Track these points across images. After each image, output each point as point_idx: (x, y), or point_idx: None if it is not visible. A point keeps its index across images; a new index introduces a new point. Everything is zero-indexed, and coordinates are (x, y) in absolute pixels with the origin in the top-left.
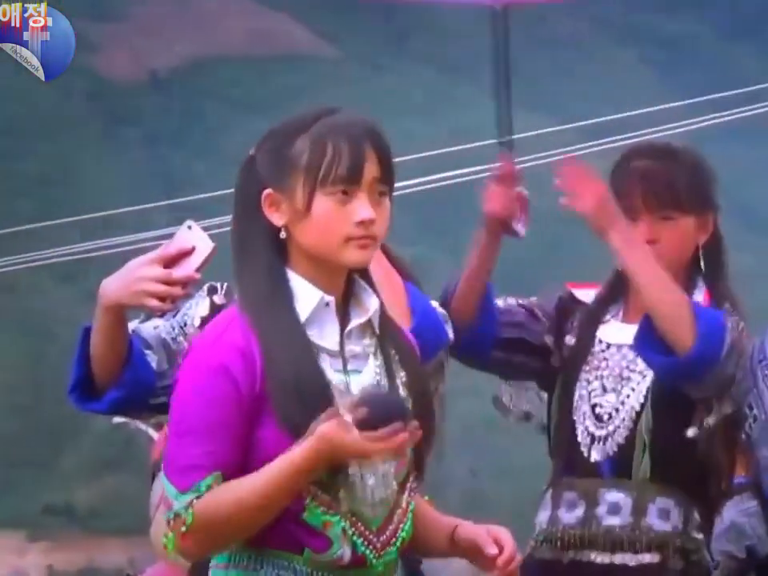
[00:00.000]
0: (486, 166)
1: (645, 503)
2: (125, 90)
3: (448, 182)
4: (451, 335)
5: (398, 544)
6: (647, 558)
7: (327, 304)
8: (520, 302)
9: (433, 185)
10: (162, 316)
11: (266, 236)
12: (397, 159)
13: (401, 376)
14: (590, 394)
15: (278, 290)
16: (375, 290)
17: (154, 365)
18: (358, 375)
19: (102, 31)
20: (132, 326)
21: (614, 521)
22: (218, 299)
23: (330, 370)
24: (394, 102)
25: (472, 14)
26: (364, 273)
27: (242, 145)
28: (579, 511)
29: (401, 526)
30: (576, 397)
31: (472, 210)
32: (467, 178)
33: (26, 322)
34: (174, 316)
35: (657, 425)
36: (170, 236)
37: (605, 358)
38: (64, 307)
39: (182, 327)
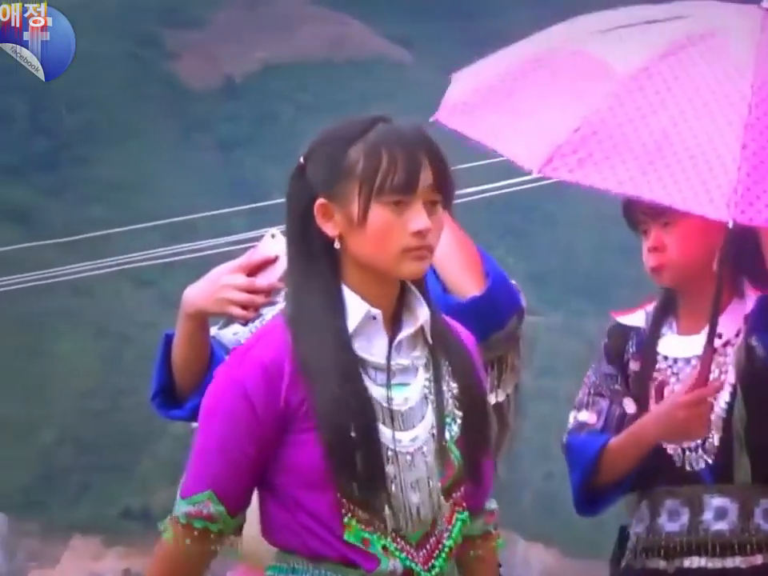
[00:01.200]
0: None
1: (751, 505)
2: (201, 96)
3: (516, 188)
4: (524, 303)
5: (446, 553)
6: (759, 559)
7: (374, 317)
8: (598, 401)
9: (501, 191)
10: (244, 324)
11: (320, 246)
12: (465, 165)
13: (452, 388)
14: None
15: (329, 303)
16: (428, 299)
17: None
18: (405, 389)
19: (179, 38)
20: (212, 332)
21: (721, 525)
22: None
23: (373, 384)
24: None
25: (545, 22)
26: (418, 282)
27: None
28: (683, 518)
29: (445, 535)
30: None
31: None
32: (535, 184)
33: (103, 327)
34: (254, 322)
35: (751, 423)
36: (246, 241)
37: (674, 373)
38: (141, 312)
39: None
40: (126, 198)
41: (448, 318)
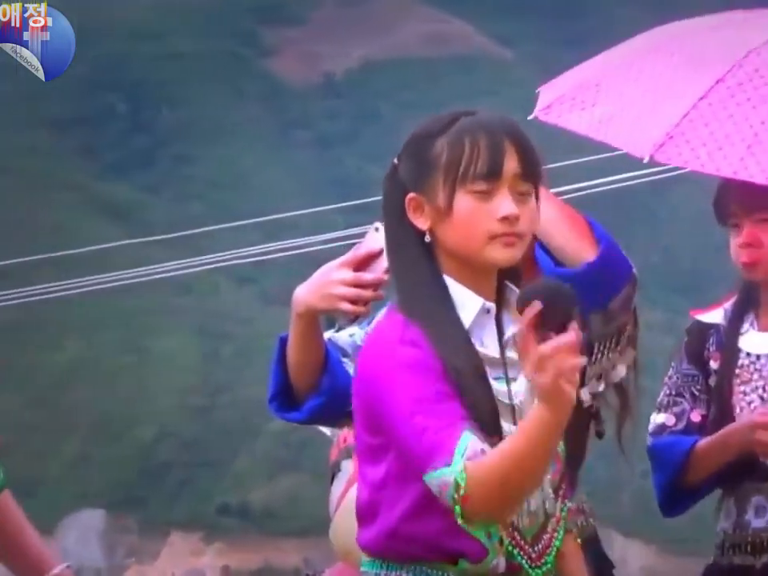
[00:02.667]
0: (655, 169)
1: None
2: (299, 93)
3: (618, 185)
4: (635, 270)
5: (554, 553)
6: None
7: (488, 310)
8: (680, 404)
9: (602, 188)
10: (354, 320)
11: (416, 242)
12: (572, 161)
13: None
14: (749, 405)
15: (441, 298)
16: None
17: (351, 372)
18: (513, 384)
19: (278, 35)
20: (328, 335)
21: None
22: None
23: (492, 379)
24: None
25: (648, 20)
26: (515, 277)
27: None
28: None
29: (555, 535)
30: (737, 411)
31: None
32: (636, 181)
33: (203, 324)
34: (369, 323)
35: None
36: (345, 238)
37: (756, 369)
38: (240, 309)
39: None
40: (225, 195)
41: None
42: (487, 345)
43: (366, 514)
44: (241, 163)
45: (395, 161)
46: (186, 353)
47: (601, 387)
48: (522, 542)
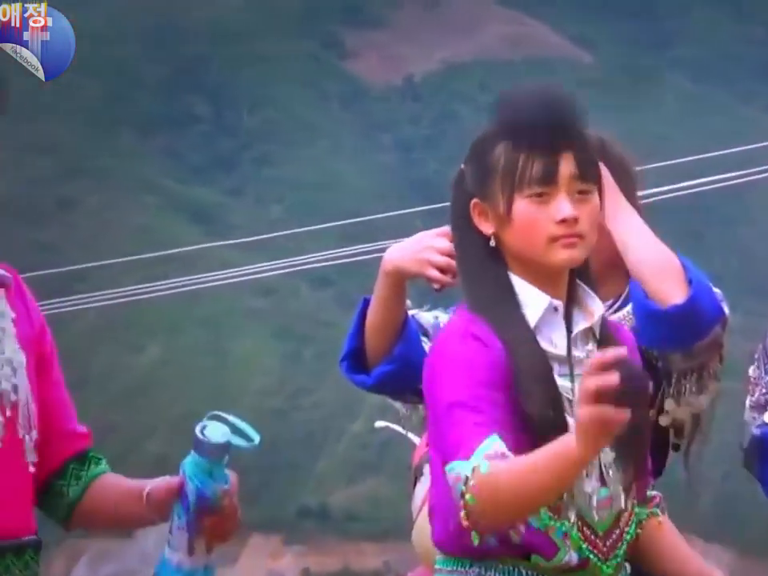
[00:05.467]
0: (739, 172)
1: None
2: (381, 96)
3: (702, 188)
4: (727, 311)
5: (624, 548)
6: None
7: (555, 309)
8: None
9: (687, 191)
10: (440, 290)
11: (482, 246)
12: (650, 165)
13: None
14: None
15: (506, 296)
16: (598, 294)
17: (427, 350)
18: (579, 380)
19: (359, 37)
20: (413, 312)
21: None
22: None
23: (558, 376)
24: (647, 107)
25: (727, 23)
26: (586, 276)
27: None
28: None
29: (626, 530)
30: None
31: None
32: (720, 185)
33: (283, 327)
34: (454, 311)
35: None
36: None
37: None
38: (320, 311)
39: None
40: (306, 197)
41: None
42: (555, 342)
43: (438, 510)
44: (322, 166)
45: (462, 166)
46: (266, 355)
47: (681, 414)
48: (593, 537)
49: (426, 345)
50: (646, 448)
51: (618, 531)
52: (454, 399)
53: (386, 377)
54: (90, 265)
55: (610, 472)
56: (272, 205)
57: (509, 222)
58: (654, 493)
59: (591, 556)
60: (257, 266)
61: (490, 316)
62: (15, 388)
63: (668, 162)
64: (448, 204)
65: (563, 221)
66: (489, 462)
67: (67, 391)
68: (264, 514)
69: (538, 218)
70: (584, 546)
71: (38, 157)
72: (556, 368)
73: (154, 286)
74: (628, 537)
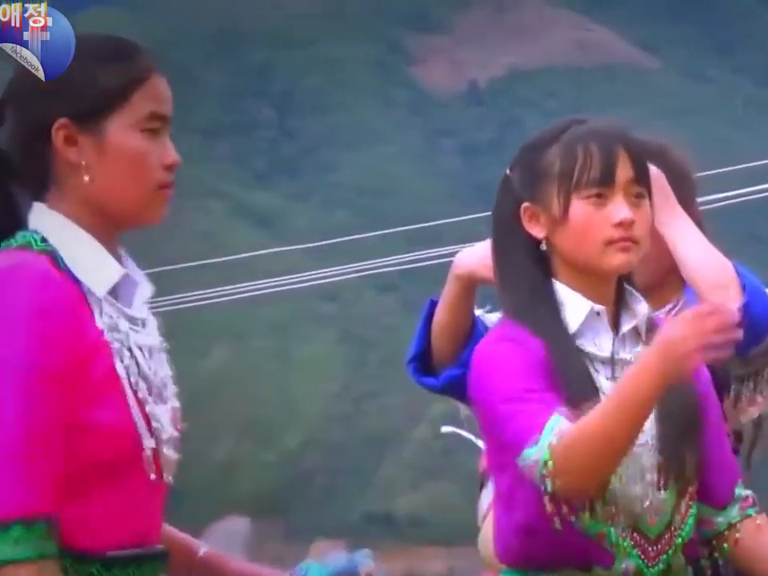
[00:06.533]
0: None
1: None
2: (444, 101)
3: (758, 195)
4: None
5: (676, 548)
6: None
7: (598, 313)
8: None
9: (752, 196)
10: None
11: (527, 250)
12: (715, 171)
13: None
14: None
15: (544, 302)
16: (643, 297)
17: None
18: None
19: (425, 43)
20: (478, 312)
21: None
22: None
23: (601, 377)
24: (712, 112)
25: None
26: (630, 279)
27: None
28: None
29: (677, 532)
30: None
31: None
32: (763, 195)
33: (347, 332)
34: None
35: None
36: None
37: None
38: (384, 316)
39: None
40: (369, 202)
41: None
42: (600, 345)
43: (498, 521)
44: (387, 171)
45: (507, 171)
46: (331, 360)
47: (740, 419)
48: (643, 541)
49: None
50: (700, 445)
51: (668, 535)
52: (506, 396)
53: (454, 381)
54: (155, 270)
55: (655, 475)
56: (336, 209)
57: (564, 225)
58: (746, 493)
59: (639, 561)
60: (322, 270)
61: (526, 319)
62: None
63: (733, 168)
64: None
65: (620, 223)
66: (558, 437)
67: None
68: (329, 519)
69: (595, 220)
70: (634, 551)
71: None
72: (600, 369)
73: (219, 291)
74: (679, 540)
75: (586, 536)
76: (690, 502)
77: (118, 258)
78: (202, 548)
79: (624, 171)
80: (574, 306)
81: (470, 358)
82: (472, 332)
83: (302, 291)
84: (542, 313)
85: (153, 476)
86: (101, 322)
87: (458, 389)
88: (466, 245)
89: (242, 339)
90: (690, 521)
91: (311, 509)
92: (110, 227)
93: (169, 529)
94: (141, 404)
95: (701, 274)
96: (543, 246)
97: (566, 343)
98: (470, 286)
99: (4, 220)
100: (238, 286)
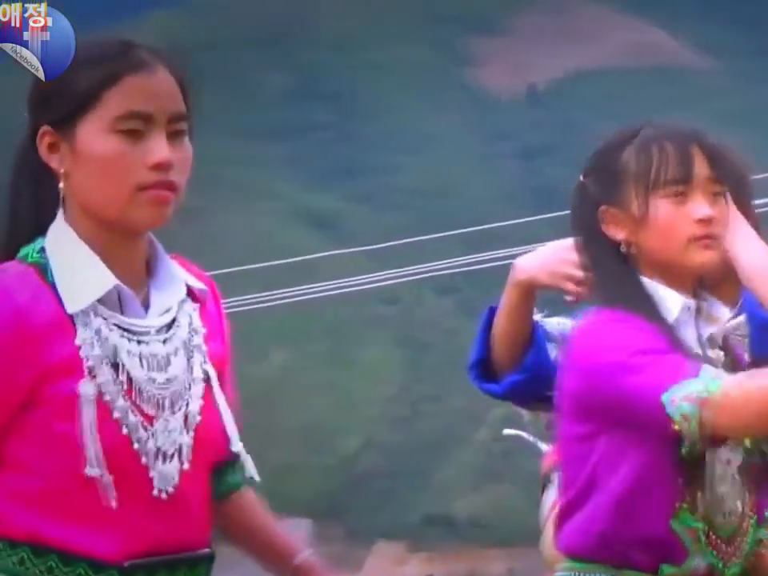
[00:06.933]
0: None
1: None
2: (504, 104)
3: None
4: None
5: (744, 555)
6: None
7: (689, 308)
8: None
9: None
10: (573, 302)
11: (612, 251)
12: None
13: None
14: None
15: (644, 298)
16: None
17: (553, 356)
18: None
19: (483, 45)
20: (537, 317)
21: None
22: None
23: None
24: None
25: None
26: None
27: None
28: None
29: (745, 538)
30: None
31: None
32: None
33: (406, 334)
34: (576, 317)
35: None
36: None
37: None
38: (442, 319)
39: None
40: (428, 205)
41: None
42: (687, 342)
43: (569, 514)
44: (445, 173)
45: (581, 177)
46: (390, 363)
47: None
48: (718, 541)
49: (552, 350)
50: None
51: (739, 538)
52: (636, 350)
53: (516, 386)
54: (214, 273)
55: (735, 475)
56: (395, 212)
57: (645, 225)
58: None
59: (715, 561)
60: (381, 273)
61: (636, 308)
62: (201, 409)
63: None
64: (569, 212)
65: (702, 220)
66: (728, 379)
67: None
68: (389, 521)
69: (677, 218)
70: (710, 551)
71: None
72: None
73: (277, 294)
74: (749, 541)
75: (672, 528)
76: (751, 513)
77: (133, 265)
78: (300, 555)
79: (701, 169)
80: (668, 301)
81: (531, 363)
82: (532, 338)
83: (360, 294)
84: (647, 305)
85: (113, 502)
86: (81, 338)
87: (519, 394)
88: (525, 247)
89: (301, 342)
90: (752, 530)
91: (371, 511)
92: (110, 234)
93: (272, 529)
94: (114, 424)
95: (757, 278)
96: (623, 248)
97: (675, 332)
98: (530, 292)
99: (31, 230)
100: (296, 288)
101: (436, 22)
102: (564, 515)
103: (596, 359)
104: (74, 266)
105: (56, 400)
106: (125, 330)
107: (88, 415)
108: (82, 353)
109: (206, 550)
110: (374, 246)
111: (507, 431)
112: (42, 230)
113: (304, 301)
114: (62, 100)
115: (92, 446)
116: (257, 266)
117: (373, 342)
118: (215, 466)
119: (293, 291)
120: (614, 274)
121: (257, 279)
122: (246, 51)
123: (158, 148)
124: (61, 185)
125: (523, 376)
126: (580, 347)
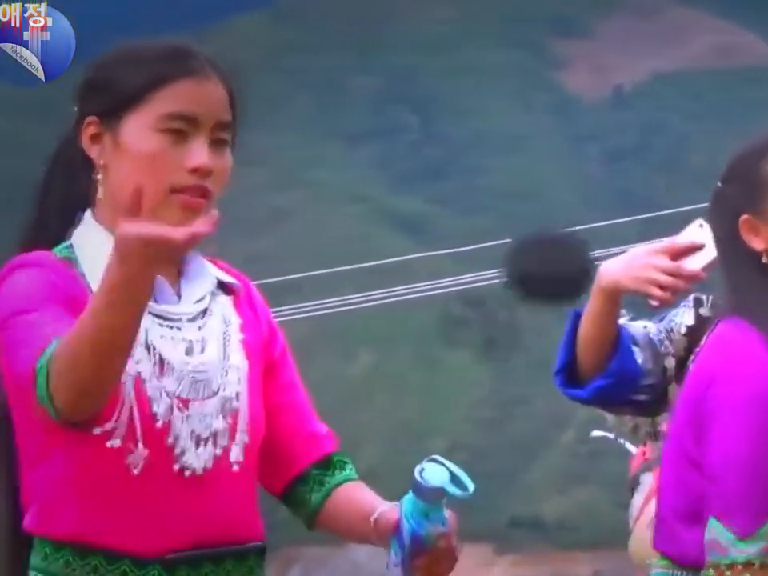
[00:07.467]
0: None
1: None
2: (588, 106)
3: None
4: None
5: None
6: None
7: None
8: None
9: None
10: (659, 307)
11: (753, 259)
12: None
13: None
14: None
15: None
16: None
17: (639, 360)
18: None
19: (569, 48)
20: (621, 321)
21: None
22: (704, 311)
23: None
24: None
25: None
26: None
27: (703, 160)
28: None
29: None
30: None
31: None
32: None
33: (494, 337)
34: (661, 321)
35: None
36: None
37: None
38: (531, 321)
39: (668, 332)
40: (513, 207)
41: None
42: None
43: (681, 515)
44: (531, 175)
45: (719, 184)
46: (477, 365)
47: None
48: None
49: (636, 354)
50: None
51: None
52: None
53: (601, 391)
54: (302, 275)
55: None
56: (480, 214)
57: None
58: None
59: None
60: (467, 275)
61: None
62: (237, 395)
63: None
64: (656, 214)
65: None
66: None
67: (306, 393)
68: (476, 523)
69: None
70: None
71: (249, 168)
72: None
73: (365, 296)
74: None
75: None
76: None
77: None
78: (375, 512)
79: None
80: None
81: (616, 368)
82: (618, 342)
83: (447, 296)
84: None
85: (136, 471)
86: None
87: (605, 399)
88: (609, 249)
89: (389, 344)
90: None
91: (457, 512)
92: None
93: (359, 493)
94: (147, 404)
95: None
96: (764, 259)
97: None
98: (615, 297)
99: (56, 227)
100: (384, 290)
101: (521, 26)
102: (665, 518)
103: (706, 410)
104: (104, 258)
105: None
106: (156, 315)
107: (128, 390)
108: None
109: (254, 543)
110: (461, 249)
111: (596, 433)
112: (65, 229)
113: (392, 303)
114: (111, 93)
115: (132, 422)
116: (345, 268)
117: (460, 344)
118: (317, 463)
119: (380, 293)
120: (751, 283)
121: (345, 281)
122: (331, 55)
123: (199, 152)
124: (98, 176)
125: (608, 381)
126: (713, 357)
